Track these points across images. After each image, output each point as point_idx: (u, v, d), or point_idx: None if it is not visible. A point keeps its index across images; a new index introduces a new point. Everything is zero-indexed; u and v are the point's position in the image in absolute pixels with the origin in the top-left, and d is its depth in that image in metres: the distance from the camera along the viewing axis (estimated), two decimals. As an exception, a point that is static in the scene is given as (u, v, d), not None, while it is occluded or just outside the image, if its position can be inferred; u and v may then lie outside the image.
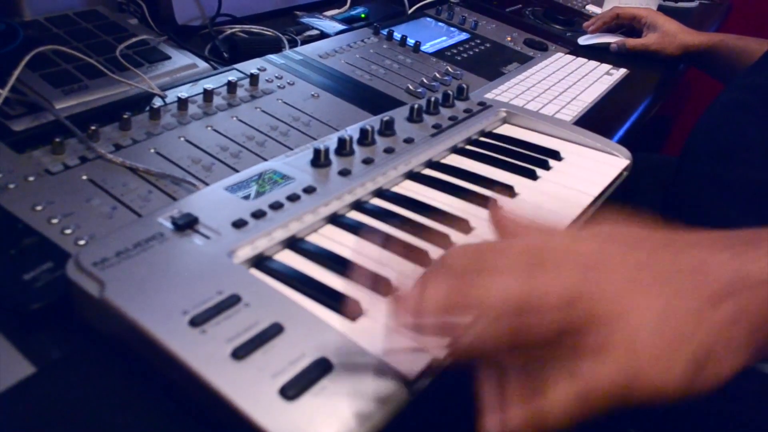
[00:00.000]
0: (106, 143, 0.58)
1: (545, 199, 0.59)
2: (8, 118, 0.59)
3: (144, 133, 0.60)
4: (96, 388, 0.37)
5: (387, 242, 0.48)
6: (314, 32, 0.99)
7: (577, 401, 0.31)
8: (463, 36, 1.07)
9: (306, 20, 1.03)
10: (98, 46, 0.73)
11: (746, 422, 0.58)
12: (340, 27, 1.01)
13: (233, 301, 0.38)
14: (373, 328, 0.40)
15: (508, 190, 0.59)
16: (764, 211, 0.69)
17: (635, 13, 1.17)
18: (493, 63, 0.99)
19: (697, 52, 1.11)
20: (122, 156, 0.56)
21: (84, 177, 0.53)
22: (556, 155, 0.67)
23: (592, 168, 0.66)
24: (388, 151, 0.59)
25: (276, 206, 0.48)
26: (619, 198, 0.65)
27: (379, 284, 0.42)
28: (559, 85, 0.92)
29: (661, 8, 1.39)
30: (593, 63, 1.04)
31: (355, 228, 0.50)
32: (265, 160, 0.58)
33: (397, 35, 0.98)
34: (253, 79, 0.73)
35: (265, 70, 0.77)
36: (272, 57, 0.81)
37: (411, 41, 0.97)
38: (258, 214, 0.47)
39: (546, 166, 0.64)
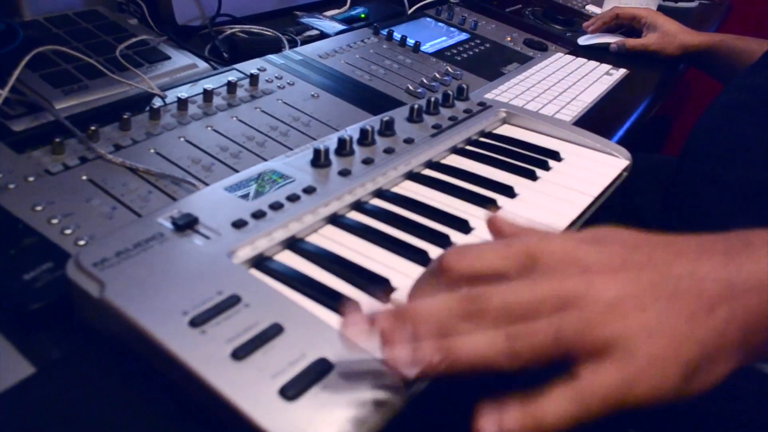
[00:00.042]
0: (106, 143, 0.58)
1: (545, 199, 0.59)
2: (8, 118, 0.59)
3: (144, 134, 0.60)
4: (96, 388, 0.37)
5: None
6: (314, 32, 0.99)
7: (574, 406, 0.31)
8: (463, 36, 1.07)
9: (306, 20, 1.03)
10: (98, 46, 0.73)
11: (746, 422, 0.58)
12: (340, 27, 1.01)
13: (233, 301, 0.38)
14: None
15: (508, 191, 0.59)
16: (764, 211, 0.69)
17: (635, 13, 1.17)
18: (493, 63, 0.99)
19: (697, 52, 1.11)
20: (122, 156, 0.56)
21: (84, 177, 0.53)
22: (555, 156, 0.67)
23: (591, 168, 0.66)
24: (388, 151, 0.59)
25: (276, 206, 0.48)
26: (619, 198, 0.65)
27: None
28: (558, 86, 0.92)
29: (661, 8, 1.39)
30: (593, 63, 1.04)
31: (355, 228, 0.50)
32: (265, 160, 0.58)
33: (397, 35, 0.98)
34: (253, 79, 0.73)
35: (265, 70, 0.77)
36: (272, 57, 0.81)
37: (411, 41, 0.97)
38: (258, 215, 0.47)
39: (546, 167, 0.64)
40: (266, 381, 0.34)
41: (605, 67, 1.03)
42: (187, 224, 0.44)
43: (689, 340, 0.32)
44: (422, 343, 0.33)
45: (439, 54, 0.97)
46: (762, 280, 0.33)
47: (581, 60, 1.06)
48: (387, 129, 0.62)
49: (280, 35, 0.93)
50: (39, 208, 0.48)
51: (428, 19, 1.12)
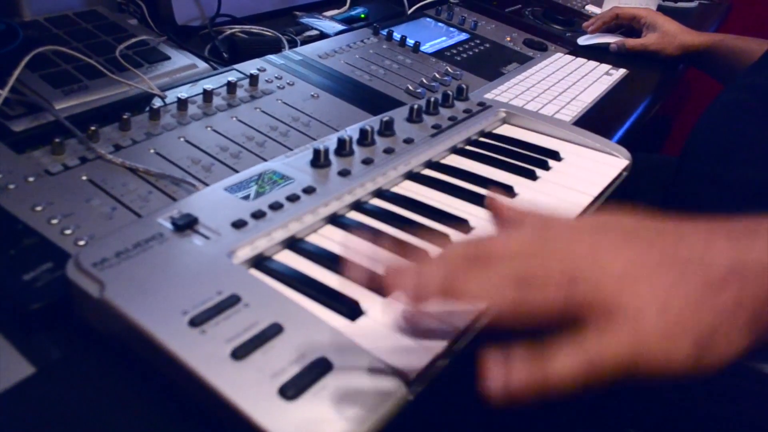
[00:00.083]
0: (106, 144, 0.58)
1: (545, 199, 0.59)
2: (8, 118, 0.59)
3: (144, 134, 0.60)
4: (96, 388, 0.37)
5: (380, 240, 0.48)
6: (314, 32, 0.99)
7: (582, 368, 0.31)
8: (463, 36, 1.07)
9: (306, 20, 1.03)
10: (98, 46, 0.73)
11: (746, 422, 0.58)
12: (340, 27, 1.02)
13: (233, 301, 0.38)
14: (373, 328, 0.40)
15: (508, 191, 0.59)
16: (764, 211, 0.69)
17: (635, 14, 1.17)
18: (493, 63, 0.99)
19: (697, 52, 1.11)
20: (122, 156, 0.56)
21: (84, 177, 0.53)
22: (555, 155, 0.67)
23: (591, 168, 0.66)
24: (388, 151, 0.59)
25: (276, 206, 0.48)
26: (618, 198, 0.65)
27: (374, 281, 0.42)
28: (558, 86, 0.92)
29: (661, 8, 1.39)
30: (593, 63, 1.04)
31: (354, 228, 0.50)
32: (265, 160, 0.58)
33: (396, 35, 0.98)
34: (253, 79, 0.73)
35: (264, 70, 0.77)
36: (272, 57, 0.81)
37: (411, 41, 0.97)
38: (258, 215, 0.47)
39: (545, 167, 0.64)
40: (266, 381, 0.34)
41: (605, 67, 1.03)
42: (186, 224, 0.44)
43: (699, 316, 0.32)
44: (428, 278, 0.34)
45: (439, 54, 0.97)
46: None
47: (581, 60, 1.06)
48: (387, 129, 0.62)
49: (279, 35, 0.93)
50: (39, 208, 0.48)
51: (428, 19, 1.12)
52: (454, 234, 0.51)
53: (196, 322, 0.36)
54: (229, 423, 0.33)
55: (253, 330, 0.37)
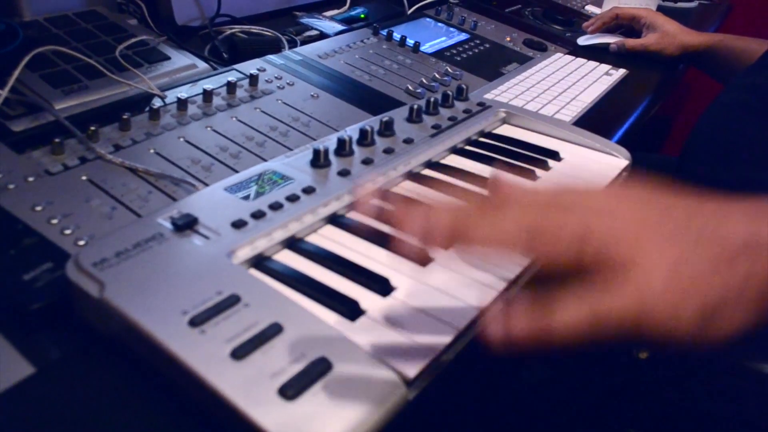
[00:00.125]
0: (106, 144, 0.58)
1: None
2: (8, 118, 0.59)
3: (143, 134, 0.60)
4: (96, 388, 0.37)
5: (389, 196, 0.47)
6: (314, 32, 0.99)
7: (586, 321, 0.31)
8: (463, 36, 1.07)
9: (305, 21, 1.03)
10: (98, 46, 0.73)
11: (746, 422, 0.58)
12: (340, 27, 1.02)
13: (233, 301, 0.38)
14: (373, 328, 0.40)
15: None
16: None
17: (634, 14, 1.17)
18: (493, 63, 0.99)
19: (697, 52, 1.11)
20: (122, 156, 0.56)
21: (84, 177, 0.53)
22: (555, 156, 0.67)
23: (591, 168, 0.66)
24: (388, 151, 0.59)
25: (275, 207, 0.48)
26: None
27: (382, 217, 0.40)
28: (558, 86, 0.92)
29: (661, 8, 1.39)
30: (592, 63, 1.04)
31: (354, 228, 0.50)
32: (265, 160, 0.58)
33: (396, 35, 0.98)
34: (253, 79, 0.73)
35: (264, 70, 0.77)
36: (272, 57, 0.81)
37: (410, 41, 0.97)
38: (257, 215, 0.47)
39: (545, 167, 0.64)
40: (266, 380, 0.34)
41: (605, 67, 1.03)
42: (186, 224, 0.44)
43: (709, 283, 0.32)
44: (438, 219, 0.33)
45: (439, 54, 0.97)
46: None
47: (581, 60, 1.06)
48: (386, 129, 0.62)
49: (279, 35, 0.93)
50: (39, 208, 0.48)
51: (428, 19, 1.12)
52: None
53: (196, 322, 0.36)
54: (229, 423, 0.33)
55: (253, 330, 0.37)
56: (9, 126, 0.58)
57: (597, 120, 0.84)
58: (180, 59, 0.76)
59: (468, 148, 0.67)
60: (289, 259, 0.46)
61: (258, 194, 0.49)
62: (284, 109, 0.70)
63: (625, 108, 0.91)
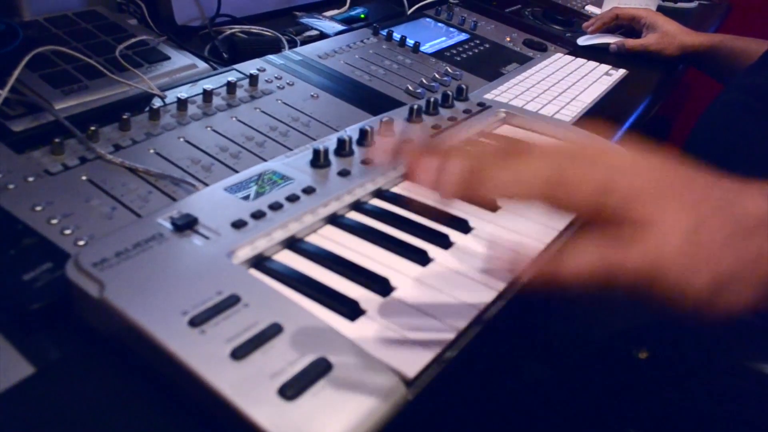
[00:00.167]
0: (106, 144, 0.58)
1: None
2: (8, 118, 0.59)
3: (143, 134, 0.60)
4: (96, 388, 0.37)
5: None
6: (314, 33, 0.99)
7: (600, 270, 0.31)
8: (463, 36, 1.07)
9: (305, 21, 1.03)
10: (98, 46, 0.73)
11: (746, 422, 0.58)
12: (340, 27, 1.02)
13: (232, 301, 0.38)
14: (373, 328, 0.40)
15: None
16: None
17: (634, 14, 1.17)
18: (493, 63, 0.99)
19: (697, 52, 1.11)
20: (122, 156, 0.56)
21: (83, 177, 0.53)
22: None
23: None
24: (388, 151, 0.59)
25: (275, 207, 0.48)
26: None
27: (397, 159, 0.38)
28: (558, 86, 0.92)
29: (661, 9, 1.38)
30: (592, 63, 1.04)
31: (354, 228, 0.50)
32: (265, 160, 0.58)
33: (396, 36, 0.98)
34: (253, 79, 0.73)
35: (264, 70, 0.77)
36: (272, 57, 0.81)
37: (410, 42, 0.97)
38: (257, 215, 0.47)
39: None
40: (265, 380, 0.34)
41: (605, 67, 1.03)
42: (186, 224, 0.44)
43: (722, 255, 0.32)
44: (453, 167, 0.32)
45: (439, 54, 0.97)
46: None
47: (581, 60, 1.06)
48: (386, 130, 0.62)
49: (279, 35, 0.93)
50: (39, 208, 0.48)
51: (428, 19, 1.12)
52: (453, 234, 0.51)
53: (195, 322, 0.36)
54: (229, 423, 0.33)
55: (253, 330, 0.37)
56: (9, 126, 0.58)
57: (597, 120, 0.84)
58: (180, 59, 0.76)
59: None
60: (289, 259, 0.46)
61: (258, 194, 0.49)
62: (284, 109, 0.70)
63: (625, 108, 0.91)
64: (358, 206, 0.54)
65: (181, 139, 0.61)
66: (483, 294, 0.45)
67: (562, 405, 0.66)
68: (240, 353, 0.35)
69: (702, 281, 0.31)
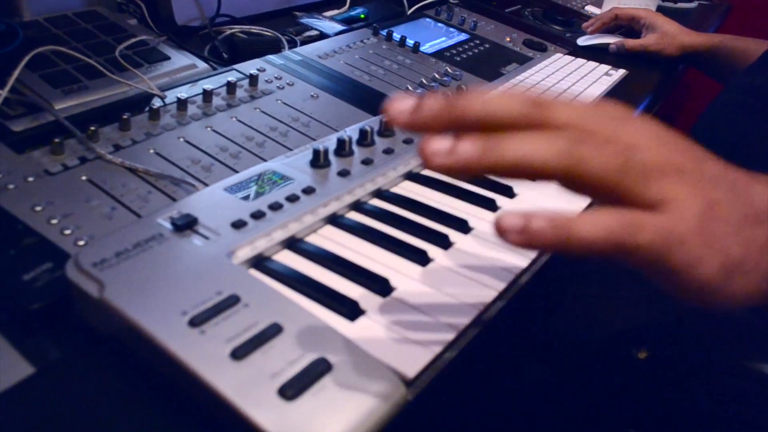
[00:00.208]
0: (106, 144, 0.58)
1: (544, 199, 0.59)
2: (8, 118, 0.59)
3: (143, 134, 0.60)
4: (96, 388, 0.37)
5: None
6: (314, 33, 0.99)
7: (612, 237, 0.30)
8: (463, 36, 1.07)
9: (305, 21, 1.03)
10: (98, 46, 0.73)
11: (746, 422, 0.58)
12: (340, 27, 1.02)
13: (232, 301, 0.38)
14: (373, 329, 0.40)
15: (507, 191, 0.59)
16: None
17: (634, 14, 1.17)
18: (493, 63, 0.99)
19: (696, 52, 1.11)
20: (122, 156, 0.56)
21: (83, 177, 0.53)
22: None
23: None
24: (388, 151, 0.59)
25: (275, 207, 0.48)
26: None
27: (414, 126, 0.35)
28: (558, 86, 0.92)
29: (660, 9, 1.39)
30: (592, 64, 1.04)
31: (354, 228, 0.50)
32: (265, 160, 0.58)
33: (396, 36, 0.98)
34: (253, 79, 0.73)
35: (264, 70, 0.77)
36: (271, 57, 0.81)
37: (410, 42, 0.97)
38: (257, 215, 0.47)
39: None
40: (265, 381, 0.34)
41: (604, 67, 1.03)
42: (186, 225, 0.44)
43: (734, 240, 0.32)
44: (466, 136, 0.31)
45: (439, 54, 0.97)
46: None
47: (580, 60, 1.06)
48: (386, 129, 0.62)
49: (279, 35, 0.93)
50: (39, 208, 0.48)
51: (428, 19, 1.12)
52: (453, 234, 0.51)
53: (195, 322, 0.36)
54: (229, 423, 0.33)
55: (253, 330, 0.37)
56: (9, 126, 0.58)
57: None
58: (180, 59, 0.76)
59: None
60: (288, 259, 0.46)
61: (258, 194, 0.49)
62: (284, 109, 0.70)
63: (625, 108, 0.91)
64: (357, 206, 0.54)
65: (181, 139, 0.61)
66: (483, 294, 0.45)
67: (562, 405, 0.66)
68: (240, 353, 0.35)
69: (712, 264, 0.31)
